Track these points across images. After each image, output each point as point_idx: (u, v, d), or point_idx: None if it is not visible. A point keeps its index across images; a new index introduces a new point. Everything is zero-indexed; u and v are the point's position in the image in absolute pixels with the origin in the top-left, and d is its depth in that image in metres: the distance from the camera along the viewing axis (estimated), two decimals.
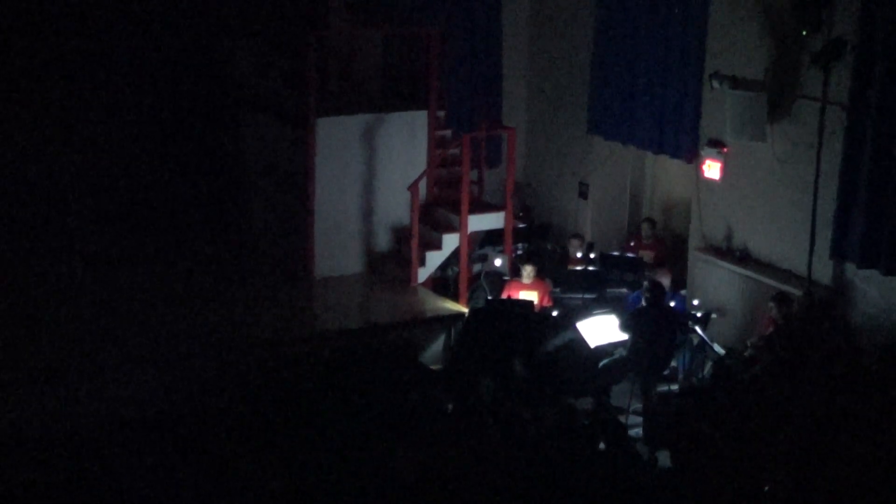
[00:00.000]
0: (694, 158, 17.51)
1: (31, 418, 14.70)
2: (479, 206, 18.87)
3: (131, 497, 12.89)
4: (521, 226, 19.53)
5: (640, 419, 14.85)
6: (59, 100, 20.40)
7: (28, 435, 14.33)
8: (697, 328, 15.99)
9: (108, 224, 20.31)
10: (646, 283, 16.22)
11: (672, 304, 16.42)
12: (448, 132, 19.49)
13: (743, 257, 16.82)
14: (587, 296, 16.98)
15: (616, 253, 18.46)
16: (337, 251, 19.04)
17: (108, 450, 13.98)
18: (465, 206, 18.30)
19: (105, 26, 20.55)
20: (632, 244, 19.00)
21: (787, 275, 16.05)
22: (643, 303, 15.89)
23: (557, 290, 17.33)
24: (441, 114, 19.43)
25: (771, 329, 15.02)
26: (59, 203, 20.17)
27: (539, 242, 19.61)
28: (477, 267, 18.90)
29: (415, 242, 18.48)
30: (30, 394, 14.95)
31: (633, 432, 14.51)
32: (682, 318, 16.17)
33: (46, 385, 15.09)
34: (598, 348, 15.55)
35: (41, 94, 20.33)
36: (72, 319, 17.14)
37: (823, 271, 15.53)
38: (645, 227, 18.87)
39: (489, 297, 17.48)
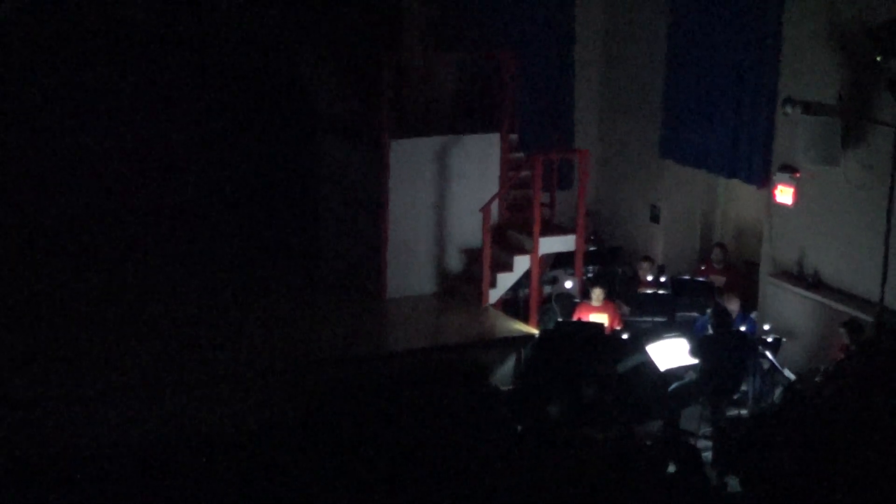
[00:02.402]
0: (766, 183, 17.37)
1: (117, 431, 14.73)
2: (551, 229, 18.67)
3: None
4: (591, 248, 19.49)
5: (709, 443, 14.51)
6: (150, 124, 20.82)
7: (115, 445, 14.40)
8: (768, 353, 15.78)
9: (188, 243, 20.54)
10: (709, 310, 16.21)
11: (742, 328, 16.19)
12: (520, 155, 19.40)
13: (815, 283, 16.73)
14: (657, 319, 16.89)
15: (687, 277, 18.32)
16: (409, 271, 19.02)
17: (184, 463, 13.96)
18: (536, 229, 18.13)
19: (193, 52, 20.84)
20: (703, 268, 18.84)
21: (859, 301, 15.89)
22: (711, 328, 15.77)
23: (627, 312, 17.26)
24: (514, 136, 19.37)
25: (842, 355, 14.75)
26: (143, 219, 20.75)
27: (609, 265, 19.50)
28: (547, 289, 18.78)
29: (486, 264, 18.41)
30: (115, 407, 14.99)
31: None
32: (753, 342, 15.92)
33: (130, 399, 15.16)
34: (667, 371, 15.38)
35: (133, 119, 20.75)
36: (153, 335, 17.18)
37: None
38: (716, 251, 18.71)
39: (559, 320, 17.25)
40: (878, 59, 14.84)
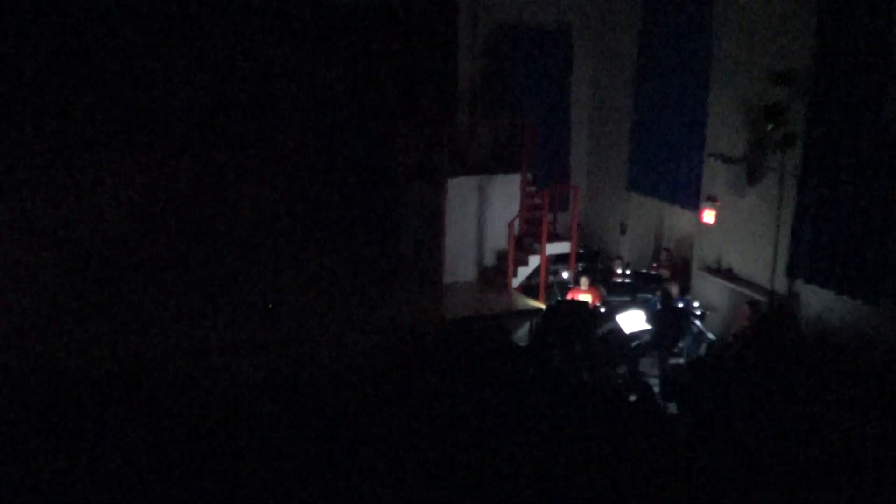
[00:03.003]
0: (697, 208, 17.43)
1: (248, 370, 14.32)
2: (554, 237, 18.83)
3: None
4: (580, 251, 19.41)
5: (657, 381, 14.64)
6: (280, 164, 20.84)
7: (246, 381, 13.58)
8: (697, 322, 16.04)
9: (308, 249, 20.52)
10: (659, 292, 16.32)
11: (680, 305, 16.28)
12: (534, 188, 19.47)
13: (728, 274, 16.76)
14: (624, 299, 16.82)
15: (644, 271, 18.32)
16: (458, 265, 19.09)
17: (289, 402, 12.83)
18: (544, 237, 18.28)
19: (323, 119, 20.87)
20: (654, 265, 18.79)
21: (757, 287, 15.98)
22: (659, 305, 15.93)
23: (604, 294, 17.14)
24: (530, 176, 19.38)
25: (745, 323, 15.05)
26: (273, 228, 20.75)
27: (592, 262, 19.51)
28: (551, 278, 18.58)
29: (510, 260, 18.54)
30: (249, 356, 14.97)
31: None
32: (687, 314, 16.10)
33: (258, 350, 15.21)
34: (631, 334, 15.48)
35: (263, 166, 20.78)
36: (275, 302, 17.31)
37: (781, 285, 15.51)
38: (664, 253, 18.69)
39: (559, 298, 17.33)
40: (770, 127, 15.12)
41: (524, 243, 18.95)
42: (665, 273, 17.94)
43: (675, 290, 16.42)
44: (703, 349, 15.71)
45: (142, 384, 12.75)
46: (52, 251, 18.50)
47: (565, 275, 18.69)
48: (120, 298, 17.42)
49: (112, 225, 19.53)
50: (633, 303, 16.54)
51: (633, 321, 15.67)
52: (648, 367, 15.51)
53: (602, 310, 16.46)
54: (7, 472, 9.67)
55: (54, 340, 15.21)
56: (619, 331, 15.52)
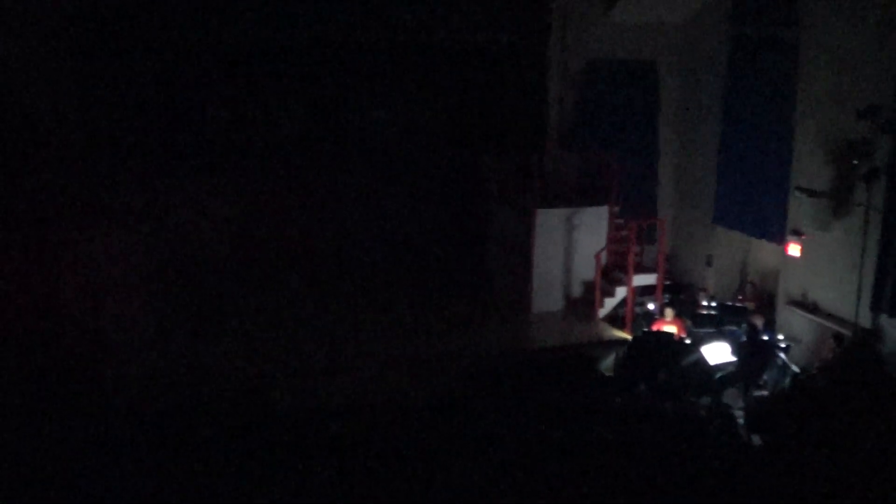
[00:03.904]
0: (782, 242, 17.36)
1: (337, 396, 14.78)
2: (640, 269, 18.80)
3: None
4: (667, 283, 19.38)
5: (741, 413, 14.41)
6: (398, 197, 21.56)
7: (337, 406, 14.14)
8: (782, 354, 15.93)
9: (398, 277, 20.93)
10: (744, 325, 16.28)
11: (765, 337, 16.24)
12: (621, 220, 19.41)
13: (813, 308, 16.68)
14: (709, 330, 16.72)
15: (730, 303, 18.21)
16: (546, 295, 19.06)
17: (391, 422, 13.30)
18: (630, 269, 18.31)
19: (425, 157, 21.41)
20: (740, 297, 18.74)
21: (841, 321, 15.86)
22: (745, 337, 15.89)
23: (690, 325, 17.17)
24: (616, 209, 19.31)
25: (830, 356, 15.00)
26: (363, 255, 21.28)
27: (678, 294, 19.48)
28: (637, 309, 18.56)
29: (597, 291, 18.56)
30: (336, 380, 15.33)
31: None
32: (772, 347, 16.02)
33: (345, 374, 15.48)
34: (715, 365, 15.32)
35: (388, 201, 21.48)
36: (371, 328, 17.72)
37: (865, 319, 15.35)
38: (749, 286, 18.66)
39: (644, 329, 17.30)
40: (855, 162, 15.15)
41: (611, 275, 18.94)
42: (750, 305, 17.84)
43: (760, 322, 16.45)
44: (787, 382, 15.54)
45: (239, 402, 13.44)
46: (162, 270, 18.99)
47: (651, 306, 18.70)
48: (219, 318, 18.08)
49: (212, 247, 20.30)
50: (718, 335, 16.42)
51: (717, 353, 15.55)
52: (733, 399, 15.27)
53: (687, 341, 16.42)
54: (118, 478, 10.24)
55: (165, 356, 15.92)
56: (703, 362, 15.38)
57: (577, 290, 19.37)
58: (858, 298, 15.47)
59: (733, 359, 15.56)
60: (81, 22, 17.73)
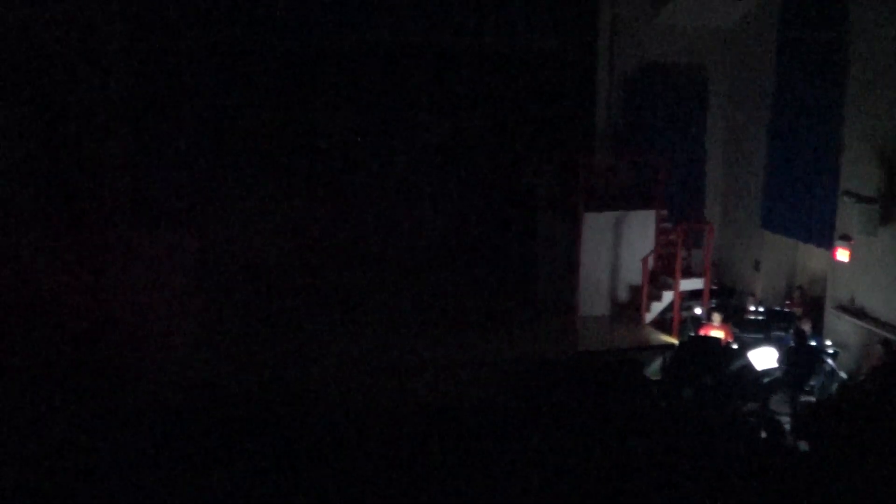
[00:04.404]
0: (830, 246, 17.29)
1: (385, 402, 14.67)
2: (687, 274, 18.83)
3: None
4: (714, 287, 19.24)
5: (788, 419, 14.38)
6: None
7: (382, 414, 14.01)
8: (829, 360, 15.78)
9: (446, 279, 21.16)
10: (793, 330, 16.20)
11: (813, 343, 16.10)
12: (668, 224, 19.52)
13: (861, 313, 16.51)
14: (756, 336, 16.47)
15: (777, 308, 18.11)
16: (593, 299, 19.18)
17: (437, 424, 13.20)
18: (678, 273, 18.37)
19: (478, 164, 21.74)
20: (788, 302, 18.66)
21: (890, 327, 15.77)
22: (792, 342, 15.80)
23: (737, 330, 16.98)
24: (664, 212, 19.45)
25: (878, 363, 14.87)
26: (411, 258, 21.46)
27: (726, 299, 19.34)
28: (684, 314, 18.48)
29: (644, 295, 18.68)
30: (383, 380, 15.42)
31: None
32: (820, 352, 15.87)
33: (392, 375, 15.59)
34: (762, 370, 15.32)
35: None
36: (417, 330, 17.96)
37: None
38: (797, 291, 18.57)
39: (691, 334, 17.26)
40: None
41: (658, 279, 19.01)
42: (798, 311, 17.80)
43: (807, 327, 16.38)
44: (834, 388, 15.26)
45: (288, 400, 13.61)
46: (208, 272, 19.26)
47: (698, 311, 18.63)
48: (275, 318, 18.45)
49: (258, 249, 20.64)
50: (765, 340, 16.34)
51: (765, 358, 15.53)
52: (779, 405, 15.24)
53: (734, 346, 16.36)
54: (156, 479, 10.45)
55: (210, 358, 16.19)
56: (750, 367, 15.28)
57: (623, 294, 19.45)
58: None
59: (780, 364, 15.53)
60: (136, 25, 18.13)
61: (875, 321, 16.27)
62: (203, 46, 19.06)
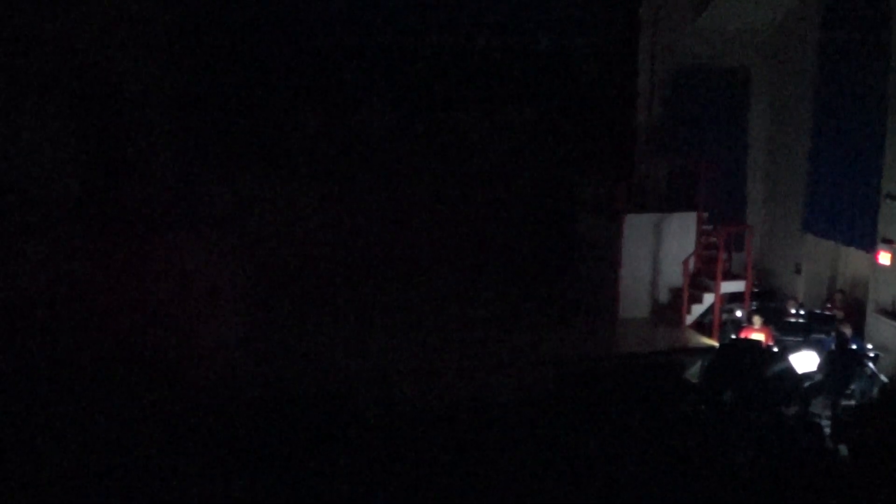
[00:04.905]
0: (872, 250, 17.24)
1: (429, 398, 14.90)
2: (728, 276, 18.75)
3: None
4: (755, 290, 19.15)
5: (828, 422, 14.38)
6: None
7: (429, 410, 14.25)
8: (870, 364, 15.71)
9: (487, 281, 21.27)
10: (834, 333, 16.17)
11: (854, 346, 16.03)
12: (709, 227, 19.39)
13: None
14: (797, 339, 16.47)
15: (818, 311, 18.07)
16: (633, 301, 19.21)
17: (477, 424, 13.40)
18: (718, 276, 18.32)
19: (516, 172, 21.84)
20: (829, 305, 18.60)
21: None
22: (833, 346, 15.78)
23: (778, 333, 17.01)
24: (705, 214, 19.33)
25: None
26: (454, 260, 21.54)
27: (766, 301, 19.21)
28: (724, 316, 18.49)
29: (684, 298, 18.65)
30: (424, 382, 15.43)
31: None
32: (861, 356, 15.80)
33: (434, 377, 15.64)
34: (803, 374, 15.17)
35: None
36: (458, 330, 18.07)
37: None
38: (838, 294, 18.49)
39: (732, 336, 17.31)
40: None
41: (698, 281, 18.95)
42: (839, 314, 17.72)
43: (848, 331, 16.29)
44: (875, 392, 15.29)
45: (333, 403, 13.76)
46: (253, 272, 19.28)
47: (739, 313, 18.59)
48: (319, 319, 18.63)
49: (302, 249, 20.81)
50: (806, 343, 16.28)
51: (805, 362, 15.44)
52: (820, 409, 15.18)
53: (775, 349, 16.30)
54: (202, 476, 10.63)
55: (254, 357, 16.39)
56: (791, 371, 15.21)
57: (664, 297, 19.44)
58: None
59: (821, 368, 15.41)
60: (180, 27, 18.40)
61: None
62: (249, 48, 19.33)
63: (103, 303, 15.03)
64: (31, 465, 11.39)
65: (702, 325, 18.61)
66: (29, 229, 15.05)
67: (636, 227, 19.02)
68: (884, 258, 16.97)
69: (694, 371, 16.84)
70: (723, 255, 18.61)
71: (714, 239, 19.02)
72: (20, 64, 16.09)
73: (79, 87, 16.95)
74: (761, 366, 15.40)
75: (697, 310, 18.74)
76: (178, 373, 14.63)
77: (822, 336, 16.73)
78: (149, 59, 17.88)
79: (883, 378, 15.61)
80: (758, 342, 16.30)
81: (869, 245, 17.40)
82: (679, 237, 19.21)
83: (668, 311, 19.19)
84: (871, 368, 15.70)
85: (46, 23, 16.45)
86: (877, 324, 17.19)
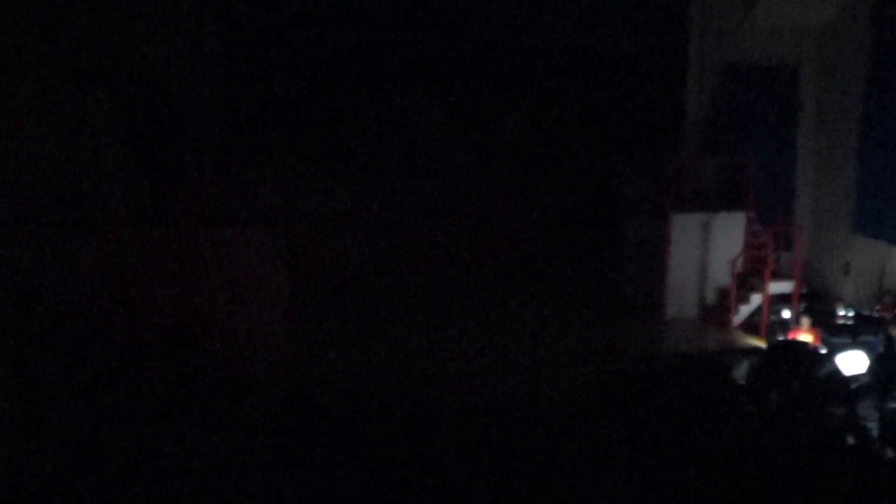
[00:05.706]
0: None
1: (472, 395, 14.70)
2: (777, 276, 18.69)
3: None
4: (803, 291, 19.17)
5: (876, 425, 14.10)
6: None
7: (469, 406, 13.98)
8: None
9: (534, 281, 21.38)
10: (882, 335, 16.06)
11: None
12: (758, 227, 19.21)
13: None
14: (845, 340, 16.12)
15: (867, 313, 17.94)
16: (681, 301, 19.16)
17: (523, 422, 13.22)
18: (767, 276, 18.29)
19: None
20: (878, 307, 18.49)
21: None
22: (881, 348, 15.67)
23: (826, 335, 16.77)
24: (753, 214, 19.21)
25: None
26: (500, 259, 21.74)
27: (814, 302, 19.26)
28: (772, 317, 18.44)
29: (732, 298, 18.58)
30: (469, 381, 15.28)
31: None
32: None
33: (478, 376, 15.53)
34: (850, 376, 15.02)
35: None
36: (505, 331, 17.97)
37: None
38: (887, 296, 18.41)
39: (779, 337, 17.21)
40: None
41: (746, 281, 18.91)
42: (888, 315, 17.62)
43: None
44: None
45: (373, 399, 13.90)
46: (298, 272, 19.15)
47: (786, 314, 18.60)
48: (358, 317, 18.73)
49: (347, 250, 21.04)
50: (854, 344, 16.06)
51: (853, 363, 15.37)
52: (867, 411, 14.58)
53: (822, 351, 16.25)
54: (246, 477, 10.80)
55: (304, 354, 16.55)
56: (838, 373, 15.01)
57: (711, 297, 19.34)
58: None
59: (869, 370, 15.37)
60: (228, 23, 18.52)
61: None
62: (297, 44, 19.51)
63: (152, 300, 15.21)
64: (86, 464, 11.61)
65: (749, 326, 18.50)
66: (78, 227, 15.20)
67: (684, 226, 18.96)
68: None
69: (741, 372, 16.63)
70: (771, 256, 18.63)
71: (762, 239, 18.99)
72: (68, 60, 16.27)
73: (127, 84, 17.15)
74: (809, 367, 15.28)
75: (745, 310, 18.66)
76: (229, 369, 14.84)
77: (871, 338, 16.52)
78: (197, 56, 18.05)
79: None
80: (805, 343, 16.22)
81: None
82: (727, 237, 19.12)
83: (716, 311, 19.10)
84: None
85: (95, 18, 16.68)
86: None
